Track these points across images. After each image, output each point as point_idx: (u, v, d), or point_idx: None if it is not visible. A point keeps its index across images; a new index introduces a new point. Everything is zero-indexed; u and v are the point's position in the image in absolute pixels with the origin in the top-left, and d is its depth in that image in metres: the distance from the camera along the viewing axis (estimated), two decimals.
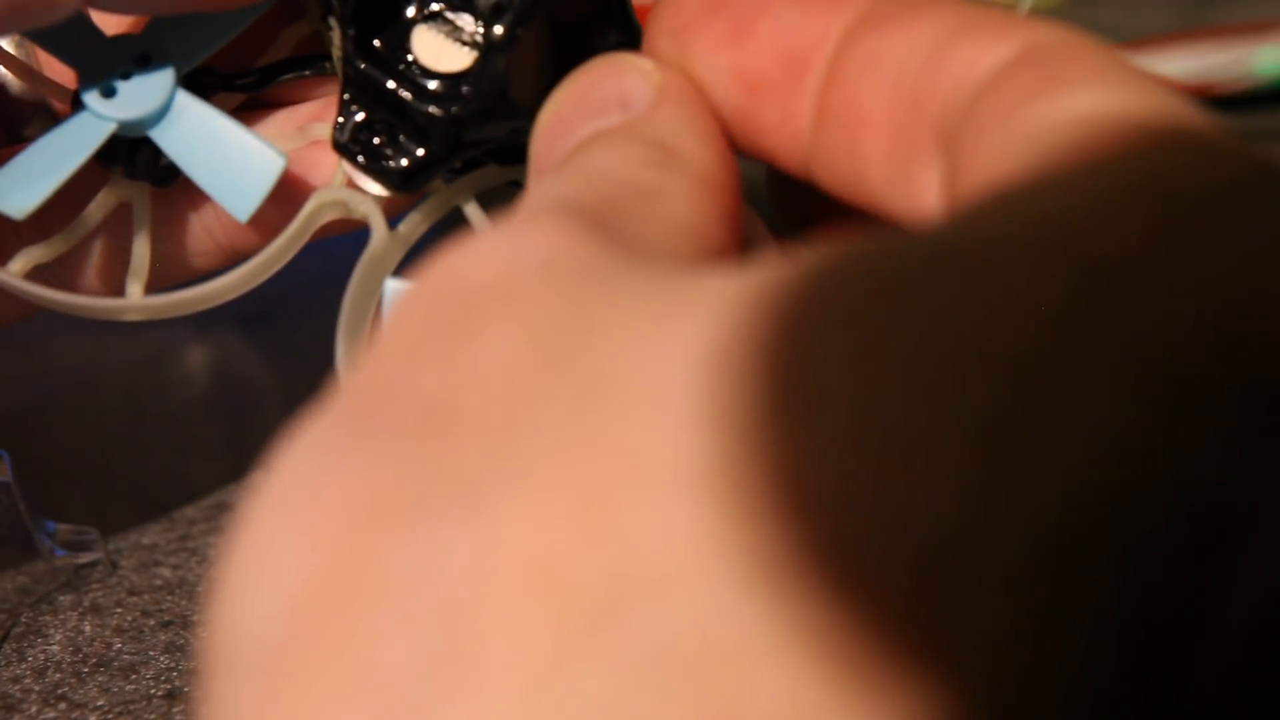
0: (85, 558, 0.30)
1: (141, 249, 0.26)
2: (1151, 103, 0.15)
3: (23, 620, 0.29)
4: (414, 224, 0.25)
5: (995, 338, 0.12)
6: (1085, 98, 0.15)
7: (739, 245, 0.18)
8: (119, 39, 0.25)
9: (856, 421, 0.12)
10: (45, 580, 0.29)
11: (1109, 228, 0.13)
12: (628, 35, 0.23)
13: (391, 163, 0.24)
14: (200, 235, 0.27)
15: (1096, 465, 0.11)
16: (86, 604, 0.29)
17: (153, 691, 0.27)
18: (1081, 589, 0.11)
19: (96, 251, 0.27)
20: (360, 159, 0.24)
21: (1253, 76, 0.41)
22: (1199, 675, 0.12)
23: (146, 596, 0.29)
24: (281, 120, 0.27)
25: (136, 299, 0.25)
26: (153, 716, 0.27)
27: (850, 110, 0.17)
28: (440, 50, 0.23)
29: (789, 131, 0.18)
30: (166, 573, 0.30)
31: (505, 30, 0.23)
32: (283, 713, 0.12)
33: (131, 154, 0.25)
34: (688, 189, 0.17)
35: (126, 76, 0.24)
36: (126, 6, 0.23)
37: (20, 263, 0.25)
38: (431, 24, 0.24)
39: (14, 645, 0.28)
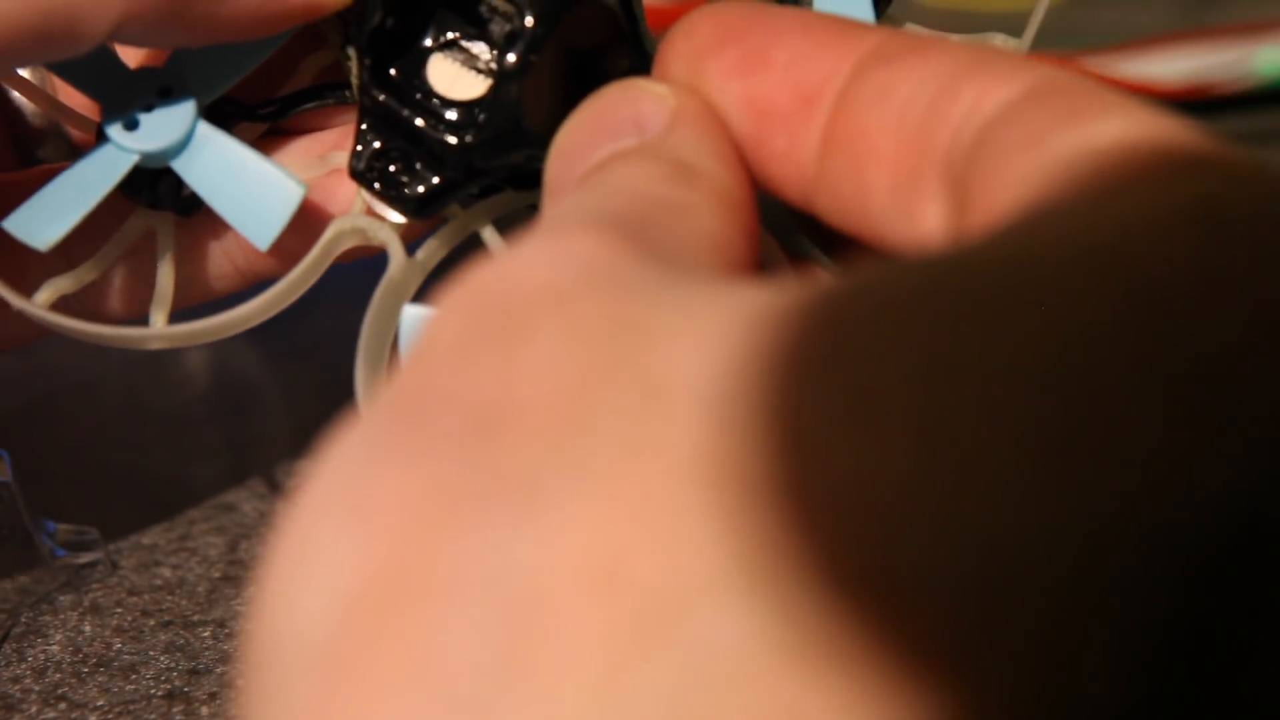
0: (85, 558, 0.30)
1: (165, 278, 0.26)
2: (1173, 130, 0.15)
3: (22, 620, 0.29)
4: (432, 250, 0.25)
5: (1041, 350, 0.12)
6: (1110, 125, 0.15)
7: (758, 264, 0.18)
8: (141, 71, 0.25)
9: (908, 429, 0.12)
10: (45, 580, 0.29)
11: (1156, 248, 0.13)
12: (640, 61, 0.24)
13: (408, 190, 0.24)
14: (220, 260, 0.27)
15: (1138, 480, 0.11)
16: (86, 604, 0.29)
17: (153, 691, 0.27)
18: (1122, 601, 0.11)
19: (118, 276, 0.27)
20: (377, 186, 0.24)
21: (1253, 76, 0.41)
22: (1254, 687, 0.12)
23: (146, 596, 0.29)
24: (303, 148, 0.27)
25: (160, 328, 0.25)
26: (153, 716, 0.27)
27: (857, 141, 0.18)
28: (455, 78, 0.24)
29: (795, 160, 0.18)
30: (166, 573, 0.30)
31: (518, 58, 0.23)
32: (342, 707, 0.12)
33: (154, 184, 0.25)
34: (709, 205, 0.17)
35: (149, 109, 0.24)
36: (148, 41, 0.24)
37: (46, 293, 0.25)
38: (447, 53, 0.24)
39: (14, 645, 0.28)
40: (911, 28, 0.27)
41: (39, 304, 0.25)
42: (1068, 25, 0.26)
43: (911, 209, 0.17)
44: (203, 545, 0.31)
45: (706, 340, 0.13)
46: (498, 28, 0.23)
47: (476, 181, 0.24)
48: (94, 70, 0.25)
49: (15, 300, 0.24)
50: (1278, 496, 0.12)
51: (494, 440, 0.13)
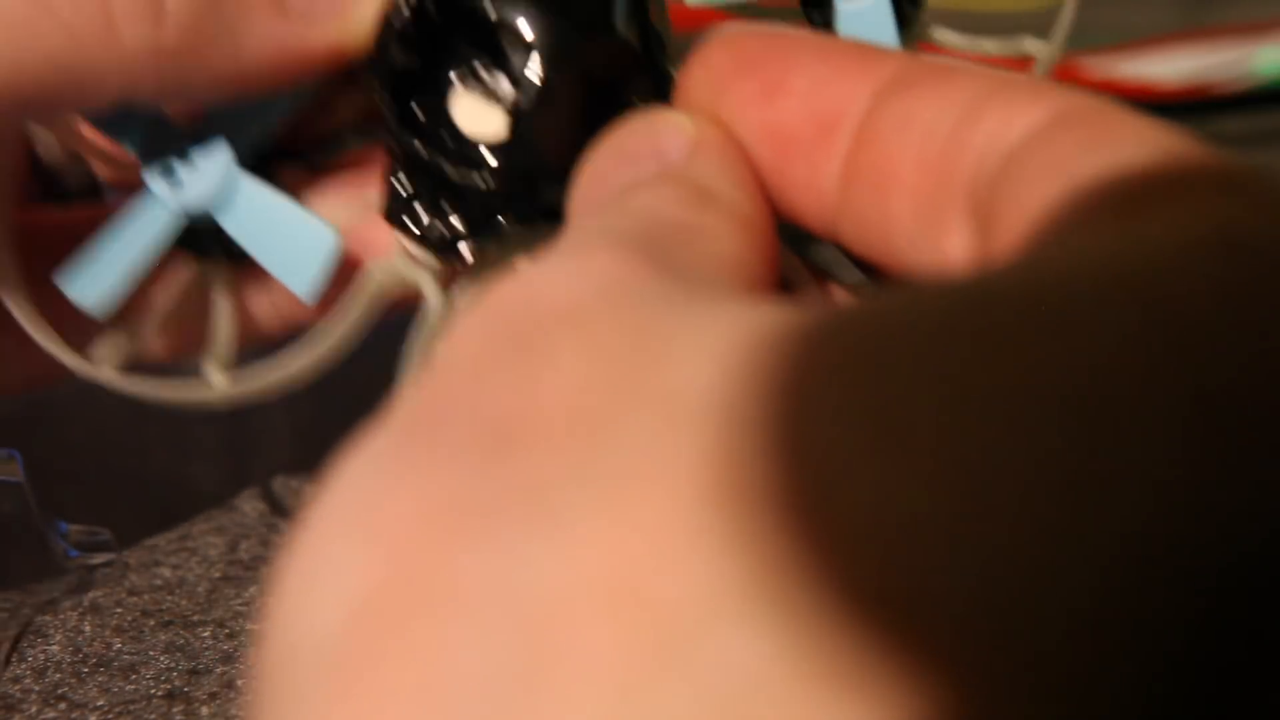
0: (99, 558, 0.30)
1: (223, 331, 0.26)
2: (1198, 155, 0.15)
3: (32, 620, 0.29)
4: (468, 290, 0.25)
5: (1064, 378, 0.12)
6: (1134, 151, 0.15)
7: (778, 287, 0.18)
8: (179, 122, 0.25)
9: (928, 453, 0.12)
10: (58, 581, 0.29)
11: (1180, 275, 0.13)
12: (662, 89, 0.24)
13: (436, 231, 0.24)
14: (264, 305, 0.28)
15: (1156, 510, 0.11)
16: (86, 604, 0.29)
17: (153, 691, 0.27)
18: (1139, 631, 0.11)
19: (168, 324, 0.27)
20: (407, 228, 0.24)
21: (1253, 76, 0.41)
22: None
23: (146, 596, 0.29)
24: (343, 191, 0.27)
25: (221, 386, 0.25)
26: (153, 716, 0.27)
27: (880, 169, 0.18)
28: (479, 115, 0.24)
29: (817, 189, 0.18)
30: (166, 573, 0.30)
31: (533, 96, 0.23)
32: (348, 716, 0.12)
33: (197, 234, 0.25)
34: (727, 228, 0.17)
35: (187, 159, 0.25)
36: (168, 97, 0.24)
37: (106, 353, 0.25)
38: (470, 88, 0.24)
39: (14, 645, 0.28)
40: (937, 31, 0.27)
41: (99, 363, 0.25)
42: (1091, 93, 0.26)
43: (936, 237, 0.17)
44: (203, 545, 0.31)
45: (723, 358, 0.13)
46: (517, 60, 0.23)
47: (504, 218, 0.24)
48: (132, 123, 0.25)
49: (76, 364, 0.25)
50: None
51: (511, 454, 0.13)
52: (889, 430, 0.12)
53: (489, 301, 0.15)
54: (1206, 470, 0.12)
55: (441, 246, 0.24)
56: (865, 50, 0.19)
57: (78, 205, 0.29)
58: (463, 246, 0.24)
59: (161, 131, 0.25)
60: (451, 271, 0.25)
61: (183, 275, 0.26)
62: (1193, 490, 0.11)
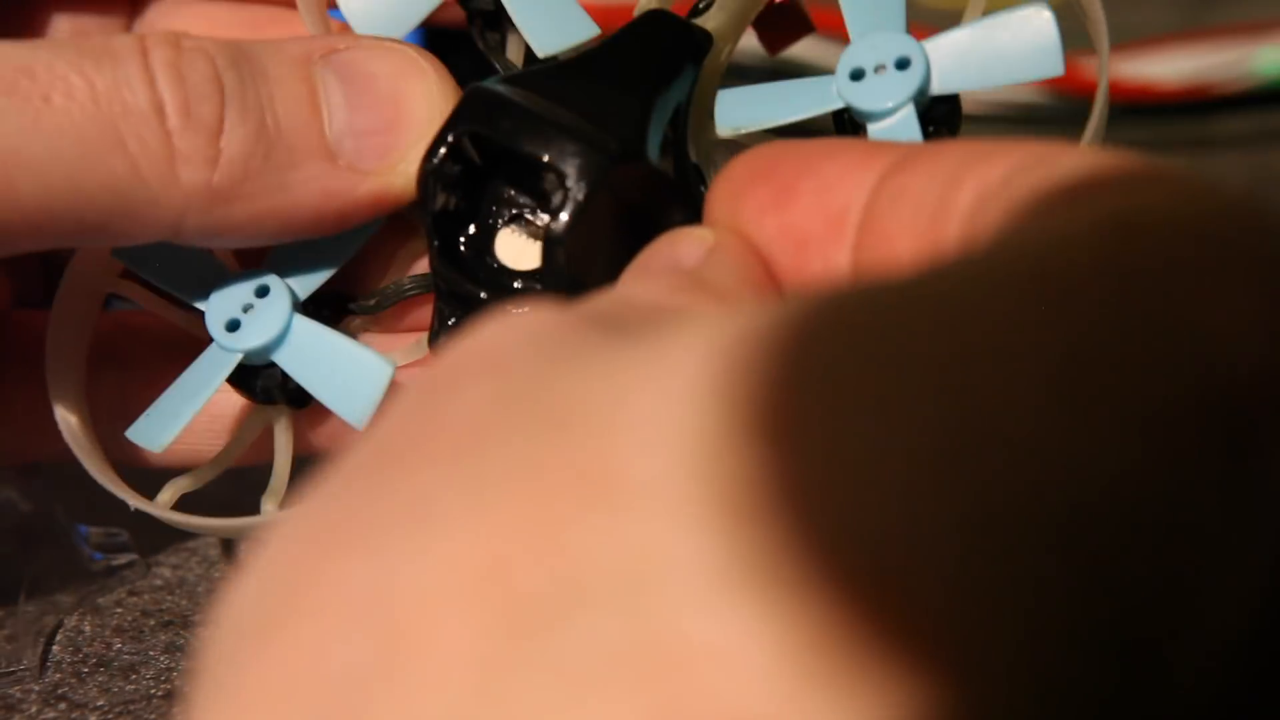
0: (122, 559, 0.30)
1: (282, 470, 0.27)
2: (1127, 160, 0.15)
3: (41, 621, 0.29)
4: None
5: (959, 368, 0.13)
6: (1065, 163, 0.16)
7: None
8: (240, 273, 0.26)
9: (816, 448, 0.12)
10: (84, 583, 0.29)
11: (1065, 254, 0.14)
12: (692, 211, 0.24)
13: None
14: (323, 437, 0.28)
15: (1022, 466, 0.12)
16: (86, 602, 0.29)
17: (153, 691, 0.27)
18: (1012, 573, 0.12)
19: None
20: None
21: (1253, 76, 0.41)
22: (1191, 682, 0.12)
23: (146, 596, 0.29)
24: (402, 335, 0.27)
25: (274, 517, 0.26)
26: (153, 716, 0.27)
27: (880, 247, 0.18)
28: (521, 250, 0.24)
29: (831, 279, 0.19)
30: (166, 573, 0.30)
31: (563, 224, 0.23)
32: (222, 714, 0.13)
33: (255, 376, 0.26)
34: (707, 308, 0.18)
35: (248, 309, 0.26)
36: (215, 239, 0.24)
37: (168, 494, 0.26)
38: (514, 225, 0.24)
39: (15, 645, 0.28)
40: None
41: (161, 503, 0.26)
42: (1067, 25, 0.26)
43: None
44: (203, 545, 0.31)
45: (631, 369, 0.14)
46: (552, 191, 0.23)
47: None
48: (196, 276, 0.26)
49: (136, 503, 0.26)
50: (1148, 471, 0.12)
51: (401, 474, 0.14)
52: (811, 423, 0.12)
53: (427, 365, 0.16)
54: (1068, 420, 0.12)
55: None
56: (870, 144, 0.19)
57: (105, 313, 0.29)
58: None
59: (225, 282, 0.26)
60: None
61: (254, 421, 0.27)
62: (1054, 443, 0.12)
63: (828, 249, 0.19)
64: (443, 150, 0.24)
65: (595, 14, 0.26)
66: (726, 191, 0.20)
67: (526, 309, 0.16)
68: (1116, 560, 0.12)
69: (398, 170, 0.24)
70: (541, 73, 0.25)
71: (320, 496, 0.14)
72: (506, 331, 0.15)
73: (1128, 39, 0.41)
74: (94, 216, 0.23)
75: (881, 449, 0.12)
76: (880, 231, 0.18)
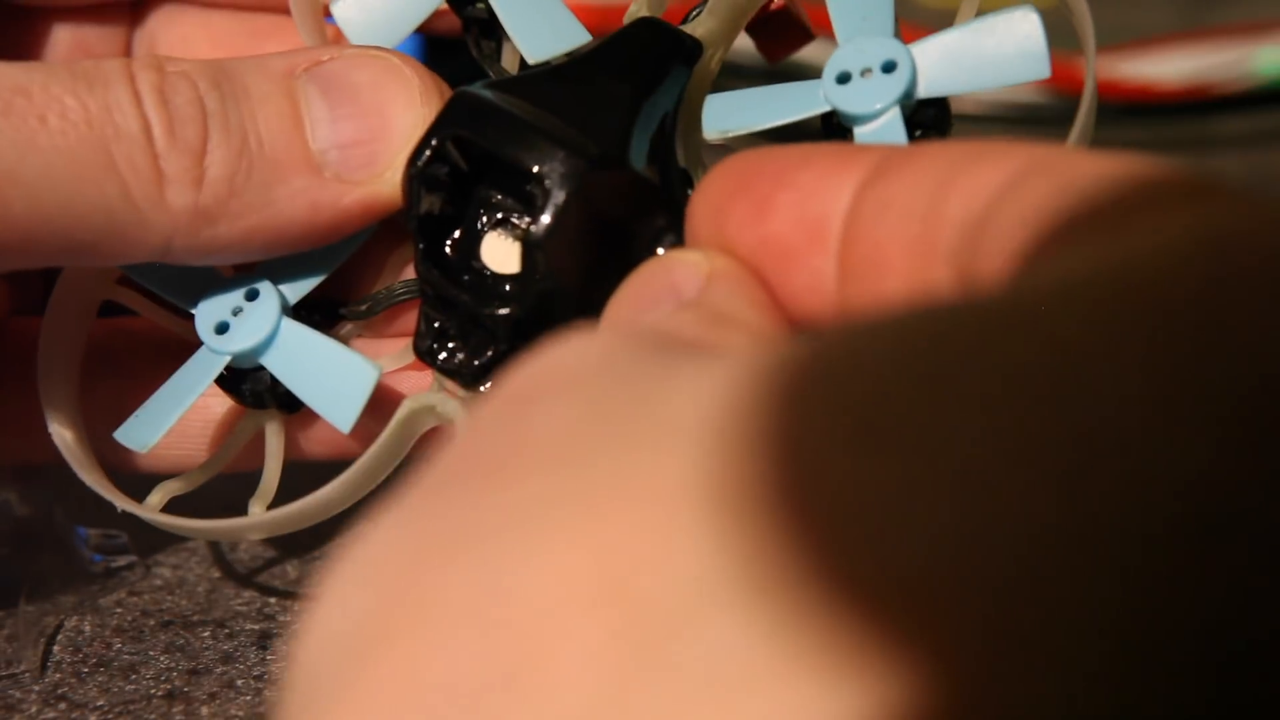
0: (121, 561, 0.30)
1: (271, 475, 0.27)
2: (1163, 171, 0.15)
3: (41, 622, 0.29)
4: None
5: (1068, 380, 0.12)
6: (1102, 179, 0.15)
7: None
8: (231, 279, 0.26)
9: (904, 448, 0.12)
10: (83, 584, 0.30)
11: (1158, 275, 0.13)
12: (675, 217, 0.24)
13: (466, 364, 0.25)
14: (314, 448, 0.28)
15: (1158, 499, 0.12)
16: (86, 604, 0.29)
17: (153, 691, 0.27)
18: (1069, 598, 0.11)
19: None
20: (439, 362, 0.25)
21: (1253, 76, 0.41)
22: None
23: (146, 597, 0.30)
24: (390, 340, 0.28)
25: (259, 518, 0.26)
26: (153, 716, 0.27)
27: (869, 259, 0.18)
28: (508, 254, 0.24)
29: (818, 291, 0.19)
30: (166, 573, 0.30)
31: (543, 227, 0.23)
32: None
33: (244, 379, 0.26)
34: (744, 343, 0.18)
35: (238, 313, 0.26)
36: (204, 256, 0.24)
37: (158, 496, 0.27)
38: (500, 228, 0.24)
39: (15, 645, 0.28)
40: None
41: (151, 505, 0.26)
42: (1068, 25, 0.26)
43: None
44: (203, 545, 0.31)
45: (708, 381, 0.14)
46: (535, 196, 0.23)
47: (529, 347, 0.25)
48: (188, 280, 0.26)
49: (127, 506, 0.26)
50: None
51: (501, 485, 0.14)
52: (864, 430, 0.12)
53: (501, 383, 0.16)
54: (1173, 431, 0.12)
55: (470, 377, 0.25)
56: (845, 149, 0.19)
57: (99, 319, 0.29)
58: (489, 376, 0.25)
59: (215, 287, 0.26)
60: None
61: (245, 426, 0.27)
62: (1196, 472, 0.12)
63: (810, 260, 0.19)
64: (426, 154, 0.24)
65: (587, 15, 0.26)
66: (706, 205, 0.20)
67: (585, 334, 0.16)
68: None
69: (384, 178, 0.24)
70: (528, 78, 0.25)
71: (407, 510, 0.14)
72: (578, 355, 0.16)
73: (1128, 39, 0.41)
74: (85, 236, 0.23)
75: (996, 462, 0.12)
76: (867, 242, 0.18)
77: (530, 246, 0.23)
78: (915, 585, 0.11)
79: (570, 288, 0.24)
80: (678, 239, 0.24)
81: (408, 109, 0.24)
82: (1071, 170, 0.16)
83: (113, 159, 0.23)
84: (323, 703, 0.13)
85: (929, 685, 0.11)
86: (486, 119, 0.24)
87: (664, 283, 0.20)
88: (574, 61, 0.25)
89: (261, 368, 0.26)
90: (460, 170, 0.24)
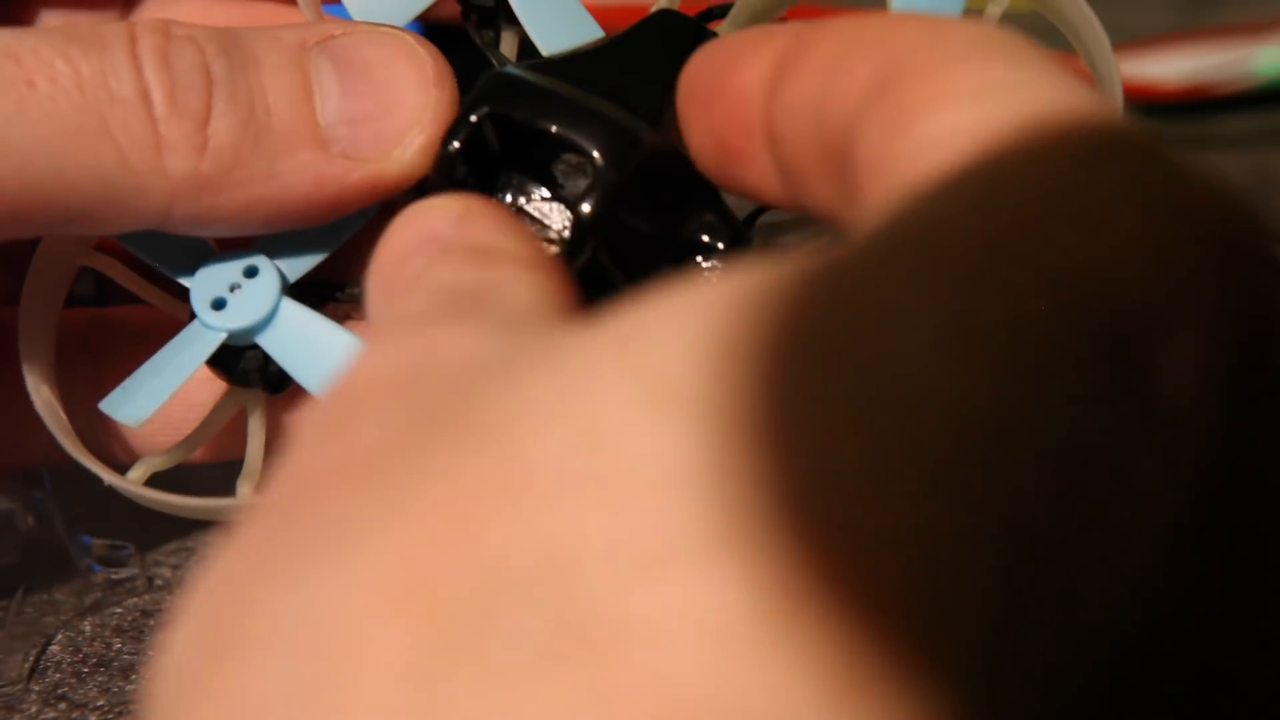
0: (122, 573, 0.30)
1: (255, 453, 0.26)
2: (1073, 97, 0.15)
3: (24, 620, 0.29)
4: None
5: (867, 339, 0.13)
6: (953, 116, 0.15)
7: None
8: (228, 254, 0.26)
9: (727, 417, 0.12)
10: (82, 595, 0.29)
11: (950, 217, 0.14)
12: (712, 196, 0.24)
13: None
14: (296, 425, 0.28)
15: (952, 436, 0.12)
16: (86, 604, 0.29)
17: None
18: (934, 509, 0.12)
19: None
20: None
21: (1253, 76, 0.41)
22: (1105, 615, 0.12)
23: (146, 597, 0.30)
24: None
25: (247, 499, 0.26)
26: None
27: (794, 163, 0.18)
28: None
29: (770, 184, 0.19)
30: (166, 573, 0.30)
31: (593, 208, 0.22)
32: None
33: (238, 358, 0.26)
34: (518, 272, 0.18)
35: (235, 289, 0.25)
36: (203, 227, 0.24)
37: (139, 471, 0.26)
38: (521, 215, 0.24)
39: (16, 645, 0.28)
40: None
41: (132, 480, 0.26)
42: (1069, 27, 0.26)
43: (854, 211, 0.17)
44: (202, 545, 0.31)
45: (553, 382, 0.14)
46: (572, 186, 0.23)
47: None
48: (183, 254, 0.26)
49: (109, 478, 0.25)
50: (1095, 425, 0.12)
51: (317, 503, 0.14)
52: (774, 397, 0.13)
53: (317, 403, 0.16)
54: (952, 366, 0.12)
55: None
56: (762, 36, 0.19)
57: (80, 307, 0.29)
58: None
59: (212, 261, 0.26)
60: None
61: (227, 405, 0.27)
62: (943, 387, 0.12)
63: (753, 158, 0.19)
64: (464, 132, 0.23)
65: (597, 14, 0.26)
66: (686, 91, 0.20)
67: (388, 338, 0.16)
68: (1019, 495, 0.12)
69: (391, 157, 0.24)
70: (559, 61, 0.24)
71: (243, 534, 0.15)
72: (388, 361, 0.16)
73: (1128, 39, 0.41)
74: (79, 204, 0.22)
75: (806, 420, 0.12)
76: (785, 144, 0.18)
77: (580, 227, 0.23)
78: (878, 549, 0.12)
79: (612, 268, 0.23)
80: (719, 219, 0.24)
81: (419, 89, 0.24)
82: (933, 80, 0.16)
83: (107, 124, 0.22)
84: None
85: (886, 642, 0.11)
86: (528, 97, 0.23)
87: (421, 231, 0.19)
88: (602, 47, 0.25)
89: (254, 346, 0.25)
90: (487, 152, 0.24)
